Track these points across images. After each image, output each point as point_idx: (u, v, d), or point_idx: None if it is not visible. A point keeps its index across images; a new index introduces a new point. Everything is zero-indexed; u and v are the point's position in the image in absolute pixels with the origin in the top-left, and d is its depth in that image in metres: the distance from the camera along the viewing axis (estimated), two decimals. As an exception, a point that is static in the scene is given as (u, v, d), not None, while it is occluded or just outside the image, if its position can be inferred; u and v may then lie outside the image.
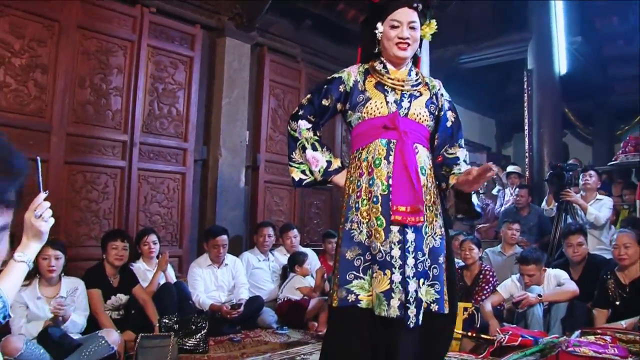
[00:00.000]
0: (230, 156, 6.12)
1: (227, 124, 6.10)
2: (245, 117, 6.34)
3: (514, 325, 4.33)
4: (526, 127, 8.32)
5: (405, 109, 2.40)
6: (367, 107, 2.40)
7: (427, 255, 2.33)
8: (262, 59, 6.67)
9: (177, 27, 5.81)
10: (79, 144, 4.99)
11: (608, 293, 4.25)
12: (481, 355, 4.03)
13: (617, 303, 4.19)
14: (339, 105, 2.52)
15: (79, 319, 3.77)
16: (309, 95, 2.59)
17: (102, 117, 5.16)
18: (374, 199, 2.32)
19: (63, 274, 3.87)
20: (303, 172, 2.55)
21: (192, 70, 5.88)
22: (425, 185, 2.37)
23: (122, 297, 4.37)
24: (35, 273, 3.68)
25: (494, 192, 7.98)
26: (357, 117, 2.45)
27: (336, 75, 2.55)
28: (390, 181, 2.30)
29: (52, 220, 1.80)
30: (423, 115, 2.42)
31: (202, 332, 4.17)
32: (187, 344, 4.11)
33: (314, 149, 2.52)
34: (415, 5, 2.39)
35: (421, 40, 2.49)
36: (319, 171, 2.51)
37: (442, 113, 2.52)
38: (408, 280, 2.24)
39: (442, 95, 2.55)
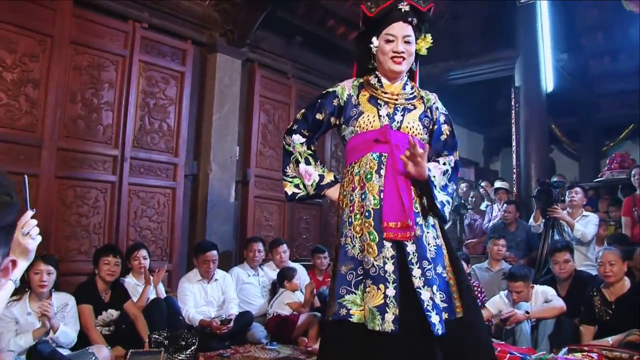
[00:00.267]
0: (221, 171, 6.14)
1: (217, 139, 6.13)
2: (235, 132, 6.37)
3: (502, 342, 4.35)
4: (514, 144, 8.41)
5: (397, 122, 2.40)
6: (359, 121, 2.42)
7: (432, 264, 2.30)
8: (252, 74, 6.72)
9: (169, 42, 5.85)
10: (69, 158, 5.00)
11: (594, 310, 4.30)
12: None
13: (604, 319, 4.23)
14: (332, 119, 2.54)
15: (70, 332, 3.77)
16: (303, 110, 2.61)
17: (93, 131, 5.17)
18: (367, 214, 2.31)
19: (53, 290, 3.86)
20: (297, 186, 2.57)
21: (183, 86, 5.91)
22: (419, 197, 2.38)
23: (113, 313, 4.36)
24: (25, 288, 3.68)
25: (482, 207, 8.05)
26: (350, 131, 2.46)
27: (330, 89, 2.57)
28: (382, 195, 2.30)
29: (39, 238, 1.80)
30: (416, 129, 2.42)
31: (192, 348, 4.17)
32: (177, 360, 4.10)
33: (307, 163, 2.55)
34: (410, 19, 2.41)
35: (417, 54, 2.51)
36: (312, 185, 2.54)
37: (437, 126, 2.52)
38: (420, 290, 2.22)
39: (437, 108, 2.54)
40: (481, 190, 8.39)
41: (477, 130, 12.36)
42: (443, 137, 2.53)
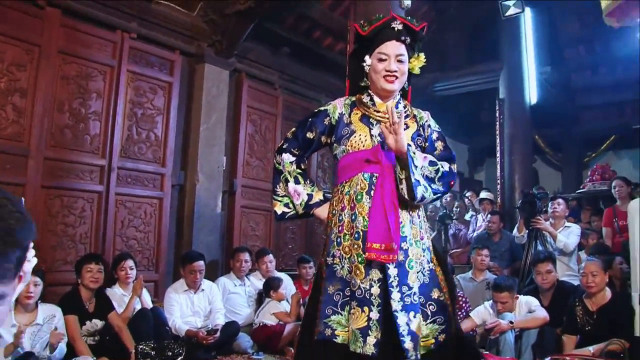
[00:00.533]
0: (207, 181, 6.15)
1: (204, 150, 6.15)
2: (222, 142, 6.38)
3: (487, 352, 4.40)
4: (498, 155, 8.51)
5: None
6: (351, 140, 2.40)
7: (416, 291, 2.28)
8: (240, 85, 6.75)
9: (157, 52, 5.87)
10: (56, 168, 4.99)
11: (576, 319, 4.36)
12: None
13: (586, 329, 4.29)
14: (323, 138, 2.52)
15: (62, 345, 3.76)
16: (293, 129, 2.58)
17: (81, 141, 5.17)
18: (356, 235, 2.29)
19: (40, 301, 3.85)
20: (286, 205, 2.56)
21: (171, 96, 5.93)
22: (410, 219, 2.36)
23: (97, 323, 4.35)
24: (11, 299, 3.65)
25: (467, 217, 8.12)
26: (341, 150, 2.44)
27: (322, 108, 2.55)
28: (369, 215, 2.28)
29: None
30: None
31: (179, 359, 4.18)
32: (164, 370, 4.10)
33: (297, 182, 2.53)
34: (403, 38, 2.40)
35: (410, 73, 2.49)
36: (301, 204, 2.52)
37: (428, 144, 2.50)
38: (397, 314, 2.20)
39: (429, 126, 2.53)
40: (466, 200, 8.47)
41: (462, 141, 12.46)
42: (437, 152, 2.50)
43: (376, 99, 2.47)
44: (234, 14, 6.02)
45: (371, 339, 2.20)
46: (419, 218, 2.42)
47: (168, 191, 5.86)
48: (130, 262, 4.81)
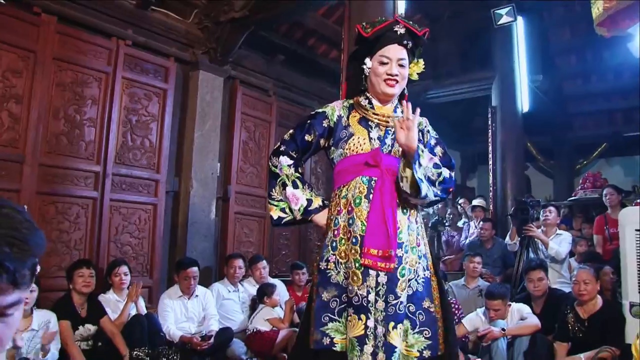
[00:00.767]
0: (201, 188, 6.17)
1: (198, 156, 6.17)
2: (216, 149, 6.41)
3: (479, 359, 4.43)
4: (490, 162, 8.54)
5: (388, 145, 2.33)
6: (349, 144, 2.34)
7: (404, 300, 2.21)
8: (234, 92, 6.78)
9: (152, 59, 5.89)
10: (51, 174, 5.00)
11: (568, 327, 4.39)
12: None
13: (577, 337, 4.33)
14: (322, 141, 2.45)
15: (55, 351, 3.76)
16: (291, 131, 2.49)
17: (75, 148, 5.18)
18: (353, 240, 2.22)
19: (35, 307, 3.85)
20: (283, 210, 2.44)
21: (166, 103, 5.95)
22: (408, 225, 2.30)
23: (90, 328, 4.35)
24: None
25: (460, 224, 8.16)
26: (339, 154, 2.37)
27: (320, 110, 2.48)
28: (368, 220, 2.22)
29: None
30: None
31: (173, 365, 4.18)
32: (158, 377, 4.11)
33: (295, 186, 2.42)
34: (405, 42, 2.35)
35: (408, 79, 2.44)
36: (299, 210, 2.41)
37: (427, 150, 2.41)
38: (377, 324, 2.16)
39: (428, 132, 2.48)
40: (459, 207, 8.51)
41: (454, 148, 12.51)
42: (436, 158, 2.42)
43: (375, 101, 2.41)
44: (228, 21, 6.06)
45: (368, 348, 2.14)
46: (416, 224, 2.36)
47: (162, 197, 5.87)
48: (124, 268, 4.82)
